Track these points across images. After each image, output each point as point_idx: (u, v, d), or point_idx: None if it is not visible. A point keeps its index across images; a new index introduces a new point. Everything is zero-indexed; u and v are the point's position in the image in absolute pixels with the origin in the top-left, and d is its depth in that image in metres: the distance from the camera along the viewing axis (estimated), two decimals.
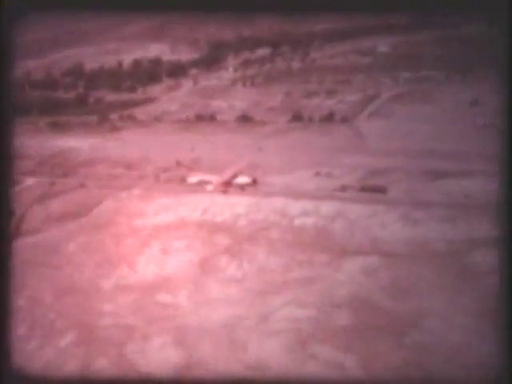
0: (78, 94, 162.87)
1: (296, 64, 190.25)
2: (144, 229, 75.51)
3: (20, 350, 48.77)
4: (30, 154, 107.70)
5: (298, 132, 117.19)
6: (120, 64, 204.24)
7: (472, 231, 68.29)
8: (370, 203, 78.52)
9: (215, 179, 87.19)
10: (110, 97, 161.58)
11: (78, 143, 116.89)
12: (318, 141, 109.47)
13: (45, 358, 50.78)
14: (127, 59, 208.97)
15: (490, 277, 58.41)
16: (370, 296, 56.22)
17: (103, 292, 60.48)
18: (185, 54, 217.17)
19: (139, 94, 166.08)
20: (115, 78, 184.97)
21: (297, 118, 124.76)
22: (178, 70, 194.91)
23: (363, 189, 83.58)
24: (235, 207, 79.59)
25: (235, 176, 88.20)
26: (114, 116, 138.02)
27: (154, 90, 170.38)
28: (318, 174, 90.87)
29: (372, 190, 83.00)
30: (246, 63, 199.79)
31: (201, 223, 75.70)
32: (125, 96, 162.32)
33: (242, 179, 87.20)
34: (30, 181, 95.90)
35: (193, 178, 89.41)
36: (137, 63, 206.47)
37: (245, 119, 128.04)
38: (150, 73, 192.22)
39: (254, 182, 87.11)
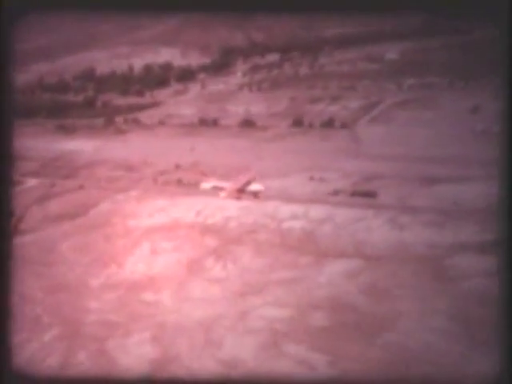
0: (87, 98, 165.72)
1: (304, 70, 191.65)
2: (137, 230, 77.45)
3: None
4: (34, 155, 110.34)
5: (298, 137, 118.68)
6: (131, 68, 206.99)
7: (456, 236, 69.39)
8: (360, 207, 79.79)
9: (229, 186, 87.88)
10: (118, 100, 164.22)
11: (82, 145, 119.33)
12: (316, 146, 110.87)
13: (29, 351, 52.67)
14: (139, 63, 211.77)
15: (467, 281, 59.53)
16: (347, 298, 57.54)
17: (91, 290, 62.45)
18: (195, 59, 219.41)
19: (147, 98, 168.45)
20: (125, 82, 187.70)
21: (298, 123, 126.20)
22: (187, 75, 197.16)
23: (354, 193, 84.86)
24: (227, 210, 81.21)
25: (248, 183, 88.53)
26: (119, 119, 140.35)
27: (162, 94, 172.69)
28: (312, 178, 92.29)
29: (363, 194, 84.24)
30: (255, 68, 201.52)
31: (192, 225, 77.47)
32: (132, 100, 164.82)
33: (255, 186, 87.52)
34: (31, 182, 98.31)
35: (206, 184, 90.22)
36: (147, 68, 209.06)
37: (247, 124, 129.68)
38: (160, 77, 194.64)
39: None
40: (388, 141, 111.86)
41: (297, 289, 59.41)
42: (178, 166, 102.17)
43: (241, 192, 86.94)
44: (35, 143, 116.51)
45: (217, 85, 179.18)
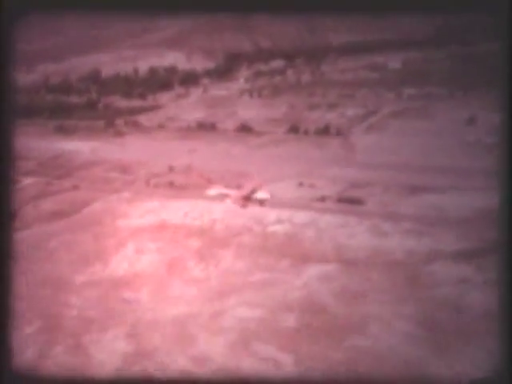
0: (89, 99, 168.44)
1: (306, 77, 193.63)
2: (125, 230, 79.36)
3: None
4: (32, 155, 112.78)
5: (292, 143, 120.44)
6: (136, 71, 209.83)
7: (435, 244, 70.75)
8: (344, 214, 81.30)
9: (234, 193, 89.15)
10: (120, 103, 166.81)
11: (80, 147, 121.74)
12: (308, 152, 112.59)
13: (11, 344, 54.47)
14: (144, 66, 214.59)
15: (439, 288, 60.94)
16: (320, 301, 59.08)
17: (74, 286, 64.32)
18: (200, 63, 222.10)
19: (149, 101, 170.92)
20: (129, 84, 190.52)
21: (294, 129, 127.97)
22: (190, 79, 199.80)
23: (340, 200, 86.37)
24: (214, 213, 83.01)
25: (254, 191, 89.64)
26: (119, 121, 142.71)
27: (164, 97, 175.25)
28: (301, 184, 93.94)
29: (349, 201, 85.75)
30: (258, 74, 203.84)
31: (179, 227, 79.26)
32: (135, 102, 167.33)
33: (262, 194, 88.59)
34: (27, 180, 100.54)
35: (212, 191, 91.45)
36: (152, 71, 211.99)
37: (244, 129, 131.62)
38: (164, 81, 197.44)
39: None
40: (381, 149, 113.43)
41: (272, 291, 60.96)
42: (171, 169, 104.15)
43: (247, 200, 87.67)
44: (34, 143, 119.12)
45: (219, 90, 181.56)
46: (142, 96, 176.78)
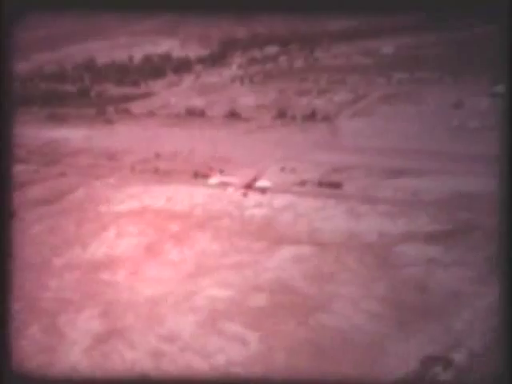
0: (82, 87, 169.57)
1: (299, 63, 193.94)
2: (107, 215, 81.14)
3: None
4: (24, 143, 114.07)
5: (279, 129, 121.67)
6: (131, 59, 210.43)
7: (407, 226, 72.33)
8: (323, 197, 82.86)
9: (236, 182, 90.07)
10: (113, 91, 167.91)
11: (70, 134, 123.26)
12: (294, 138, 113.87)
13: None
14: (138, 54, 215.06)
15: (407, 269, 62.60)
16: (290, 281, 60.85)
17: (53, 269, 66.28)
18: (194, 51, 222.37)
19: (141, 89, 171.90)
20: (122, 72, 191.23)
21: (282, 115, 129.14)
22: (184, 66, 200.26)
23: (320, 184, 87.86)
24: (196, 197, 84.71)
25: (255, 179, 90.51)
26: (110, 109, 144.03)
27: (157, 84, 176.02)
28: (283, 169, 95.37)
29: (328, 185, 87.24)
30: (252, 61, 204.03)
31: (160, 211, 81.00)
32: (127, 90, 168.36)
33: (263, 183, 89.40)
34: (16, 168, 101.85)
35: (213, 180, 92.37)
36: (147, 58, 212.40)
37: (233, 115, 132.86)
38: (158, 68, 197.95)
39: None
40: (366, 134, 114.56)
41: (244, 272, 62.73)
42: (157, 155, 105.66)
43: (248, 188, 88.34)
44: (25, 131, 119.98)
45: (211, 77, 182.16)
46: (136, 84, 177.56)
